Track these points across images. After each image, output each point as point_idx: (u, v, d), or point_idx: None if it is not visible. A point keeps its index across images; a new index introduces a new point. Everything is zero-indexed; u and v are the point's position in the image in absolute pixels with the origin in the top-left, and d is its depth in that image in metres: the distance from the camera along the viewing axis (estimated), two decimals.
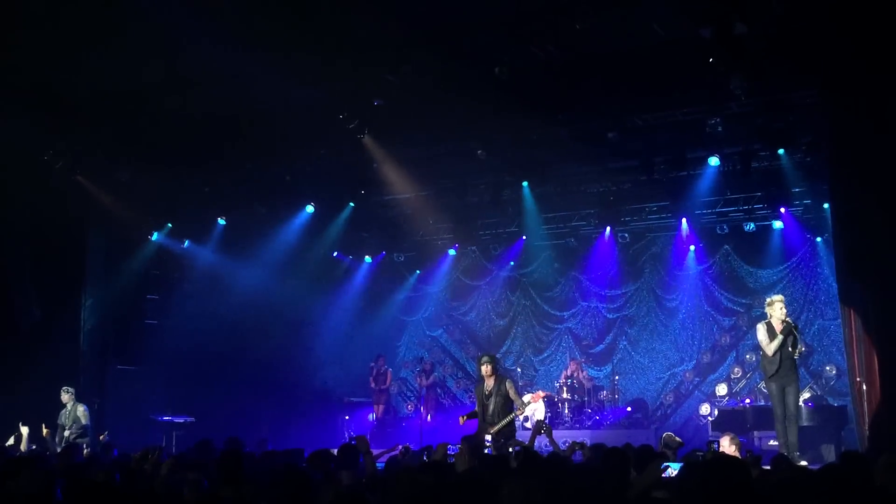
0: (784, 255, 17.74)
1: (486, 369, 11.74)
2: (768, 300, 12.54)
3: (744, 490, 3.74)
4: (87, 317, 17.03)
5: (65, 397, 14.07)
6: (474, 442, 10.24)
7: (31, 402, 14.10)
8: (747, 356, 17.96)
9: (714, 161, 15.37)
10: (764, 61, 11.95)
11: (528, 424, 15.51)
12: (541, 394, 15.24)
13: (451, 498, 4.49)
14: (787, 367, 11.98)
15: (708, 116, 13.96)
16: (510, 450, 10.03)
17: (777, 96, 13.45)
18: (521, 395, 12.37)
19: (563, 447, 10.05)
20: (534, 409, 16.25)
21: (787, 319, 12.14)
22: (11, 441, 12.48)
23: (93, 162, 15.84)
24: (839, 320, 13.86)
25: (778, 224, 17.16)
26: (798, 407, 12.45)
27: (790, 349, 11.95)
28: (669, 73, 12.56)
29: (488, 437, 11.24)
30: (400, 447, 11.04)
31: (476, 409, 11.97)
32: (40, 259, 16.16)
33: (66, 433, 13.73)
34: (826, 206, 15.18)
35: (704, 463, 4.35)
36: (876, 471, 5.66)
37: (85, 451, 12.44)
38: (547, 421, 14.97)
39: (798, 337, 12.13)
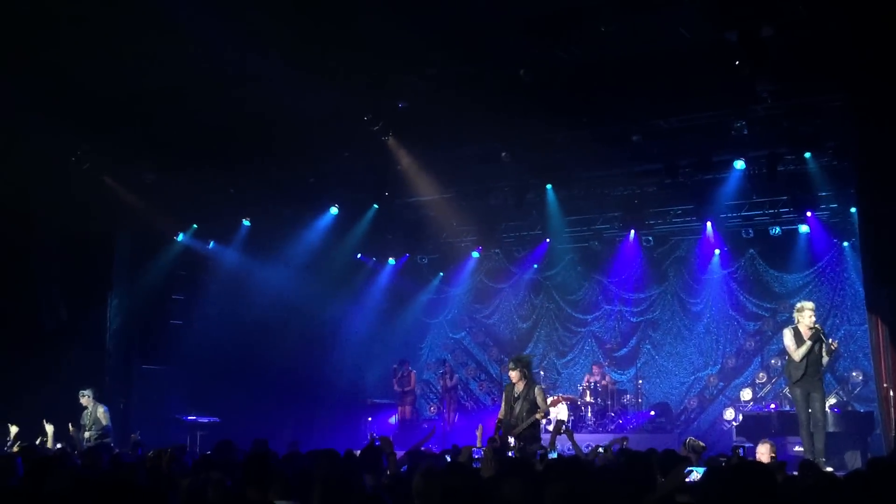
0: (810, 259, 17.62)
1: (515, 375, 11.75)
2: (798, 305, 12.47)
3: (768, 496, 3.72)
4: (113, 317, 17.17)
5: (83, 400, 14.15)
6: (498, 445, 10.26)
7: (57, 402, 14.23)
8: (772, 361, 17.84)
9: (739, 164, 15.28)
10: (790, 64, 11.87)
11: (552, 427, 15.47)
12: (559, 398, 15.26)
13: (475, 500, 4.48)
14: (812, 373, 11.90)
15: (733, 119, 13.86)
16: (537, 452, 10.01)
17: (803, 99, 13.34)
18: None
19: (585, 450, 10.02)
20: (556, 411, 16.23)
21: (816, 326, 12.06)
22: (40, 440, 12.58)
23: (119, 163, 15.95)
24: (866, 325, 13.74)
25: (804, 228, 17.03)
26: (825, 413, 12.34)
27: (819, 355, 11.87)
28: (695, 76, 12.50)
29: (511, 440, 11.24)
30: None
31: (502, 410, 11.99)
32: (67, 260, 16.31)
33: (87, 434, 13.82)
34: (853, 210, 15.08)
35: (729, 468, 4.34)
36: None
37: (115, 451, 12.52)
38: (570, 424, 14.96)
39: (826, 344, 12.04)
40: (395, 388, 19.76)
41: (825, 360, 11.98)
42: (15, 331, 15.63)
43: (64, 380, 14.83)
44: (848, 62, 11.39)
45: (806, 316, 12.11)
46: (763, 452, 9.97)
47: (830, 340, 11.97)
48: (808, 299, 17.43)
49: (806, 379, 11.88)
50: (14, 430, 12.77)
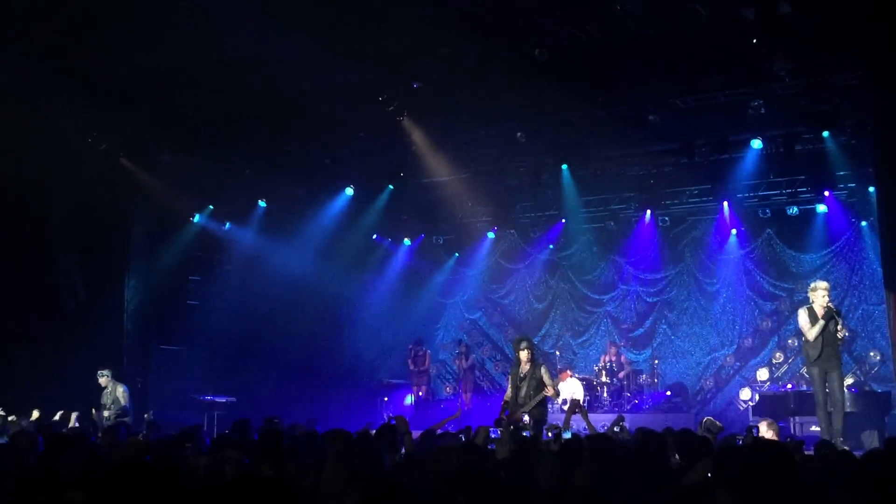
0: (828, 239, 17.51)
1: (525, 355, 11.77)
2: (812, 285, 12.39)
3: (785, 475, 3.72)
4: (131, 298, 17.27)
5: (102, 380, 14.22)
6: (512, 422, 10.29)
7: (76, 382, 14.34)
8: (789, 341, 17.79)
9: (757, 144, 15.20)
10: (808, 42, 11.77)
11: (566, 407, 15.50)
12: (567, 374, 15.22)
13: (492, 479, 4.50)
14: (829, 352, 11.83)
15: (750, 98, 13.78)
16: (549, 433, 10.04)
17: (821, 78, 13.24)
18: (554, 380, 12.39)
19: (600, 429, 10.04)
20: (572, 390, 16.25)
21: (830, 305, 12.00)
22: (57, 417, 12.67)
23: (136, 145, 16.00)
24: (884, 305, 13.68)
25: (822, 208, 16.93)
26: (843, 393, 12.29)
27: (834, 334, 11.82)
28: (711, 55, 12.43)
29: (526, 418, 11.25)
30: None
31: (508, 391, 12.03)
32: (85, 241, 16.38)
33: (107, 413, 13.92)
34: (871, 189, 14.96)
35: (746, 447, 4.33)
36: None
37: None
38: (585, 404, 14.99)
39: (840, 321, 11.98)
40: (411, 367, 19.82)
41: (840, 337, 11.90)
42: (35, 312, 15.74)
43: (83, 360, 14.92)
44: (866, 40, 11.28)
45: (819, 295, 12.04)
46: (763, 431, 9.94)
47: (840, 326, 11.89)
48: (825, 279, 17.47)
49: (823, 358, 11.83)
50: (36, 414, 12.88)
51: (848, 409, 14.17)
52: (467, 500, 4.00)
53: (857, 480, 4.62)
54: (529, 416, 11.36)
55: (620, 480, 4.94)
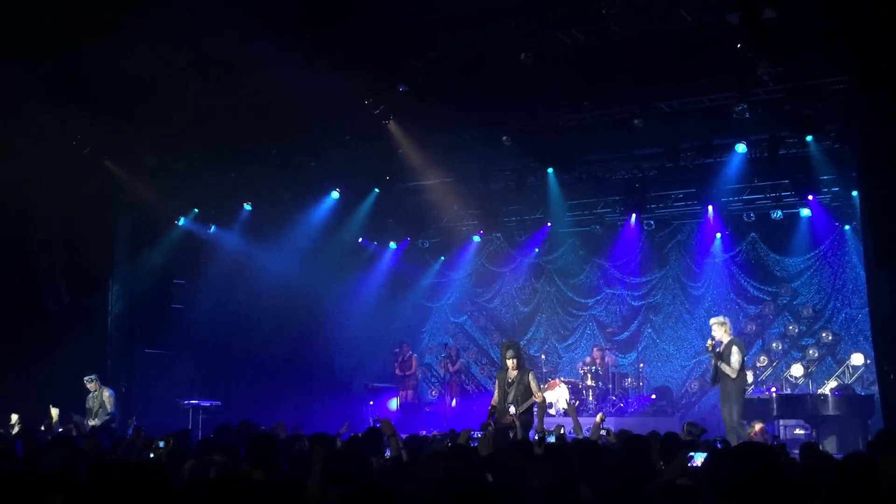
0: (811, 243, 17.61)
1: (512, 363, 11.76)
2: (722, 319, 12.65)
3: (772, 477, 3.73)
4: (115, 301, 17.18)
5: (90, 385, 14.18)
6: (500, 427, 10.30)
7: (59, 386, 14.27)
8: (773, 345, 17.88)
9: (741, 148, 15.27)
10: (792, 47, 11.83)
11: (552, 411, 15.53)
12: (557, 381, 15.26)
13: (480, 481, 4.50)
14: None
15: (735, 103, 13.83)
16: (536, 437, 10.04)
17: (806, 82, 13.32)
18: (541, 386, 12.41)
19: (586, 433, 10.06)
20: (557, 396, 16.26)
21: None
22: (43, 427, 12.61)
23: (120, 147, 15.95)
24: (867, 309, 13.75)
25: (805, 212, 17.01)
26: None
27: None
28: (696, 59, 12.47)
29: (514, 419, 11.23)
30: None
31: (496, 396, 12.00)
32: (68, 243, 16.30)
33: (95, 420, 13.85)
34: (855, 193, 15.04)
35: (732, 450, 4.35)
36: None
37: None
38: (574, 402, 15.12)
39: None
40: (398, 372, 19.80)
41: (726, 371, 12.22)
42: (18, 314, 15.66)
43: (65, 363, 14.85)
44: (851, 44, 11.34)
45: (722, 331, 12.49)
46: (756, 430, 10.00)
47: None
48: (810, 283, 17.61)
49: None
50: (15, 417, 12.80)
51: (831, 413, 14.29)
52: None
53: (839, 483, 4.65)
54: (517, 421, 11.35)
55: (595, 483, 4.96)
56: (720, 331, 12.42)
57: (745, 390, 12.63)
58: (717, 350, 12.25)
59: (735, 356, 12.09)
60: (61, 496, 4.52)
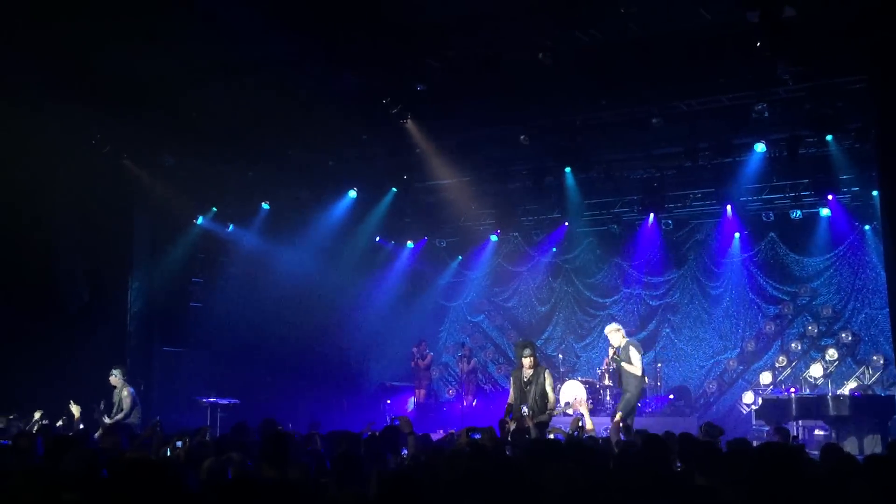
0: (831, 243, 17.52)
1: (527, 361, 11.77)
2: (617, 327, 13.30)
3: (792, 477, 3.71)
4: (134, 299, 17.23)
5: (113, 380, 14.16)
6: (519, 427, 10.28)
7: (78, 384, 14.30)
8: (792, 345, 17.80)
9: (760, 147, 15.20)
10: (812, 46, 11.75)
11: (570, 410, 15.50)
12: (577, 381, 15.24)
13: (500, 482, 4.49)
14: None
15: (754, 102, 13.77)
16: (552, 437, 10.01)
17: (825, 81, 13.22)
18: (556, 385, 12.47)
19: (603, 432, 10.04)
20: (574, 393, 16.25)
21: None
22: (63, 421, 12.66)
23: (139, 146, 16.00)
24: (887, 309, 13.66)
25: (825, 211, 16.92)
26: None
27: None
28: (715, 58, 12.42)
29: (528, 420, 11.21)
30: None
31: (511, 394, 12.00)
32: (88, 242, 16.37)
33: (117, 416, 13.86)
34: (875, 193, 14.95)
35: (753, 449, 4.33)
36: None
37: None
38: (590, 403, 15.16)
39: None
40: (413, 364, 19.77)
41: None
42: (38, 313, 15.73)
43: (85, 362, 14.91)
44: (870, 43, 11.27)
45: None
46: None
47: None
48: (830, 283, 17.51)
49: None
50: (38, 415, 12.83)
51: (848, 413, 14.19)
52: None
53: (860, 484, 4.62)
54: (531, 423, 11.34)
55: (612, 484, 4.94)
56: (617, 336, 13.11)
57: (644, 390, 13.48)
58: (617, 356, 12.88)
59: (634, 355, 12.76)
60: (77, 495, 4.53)
